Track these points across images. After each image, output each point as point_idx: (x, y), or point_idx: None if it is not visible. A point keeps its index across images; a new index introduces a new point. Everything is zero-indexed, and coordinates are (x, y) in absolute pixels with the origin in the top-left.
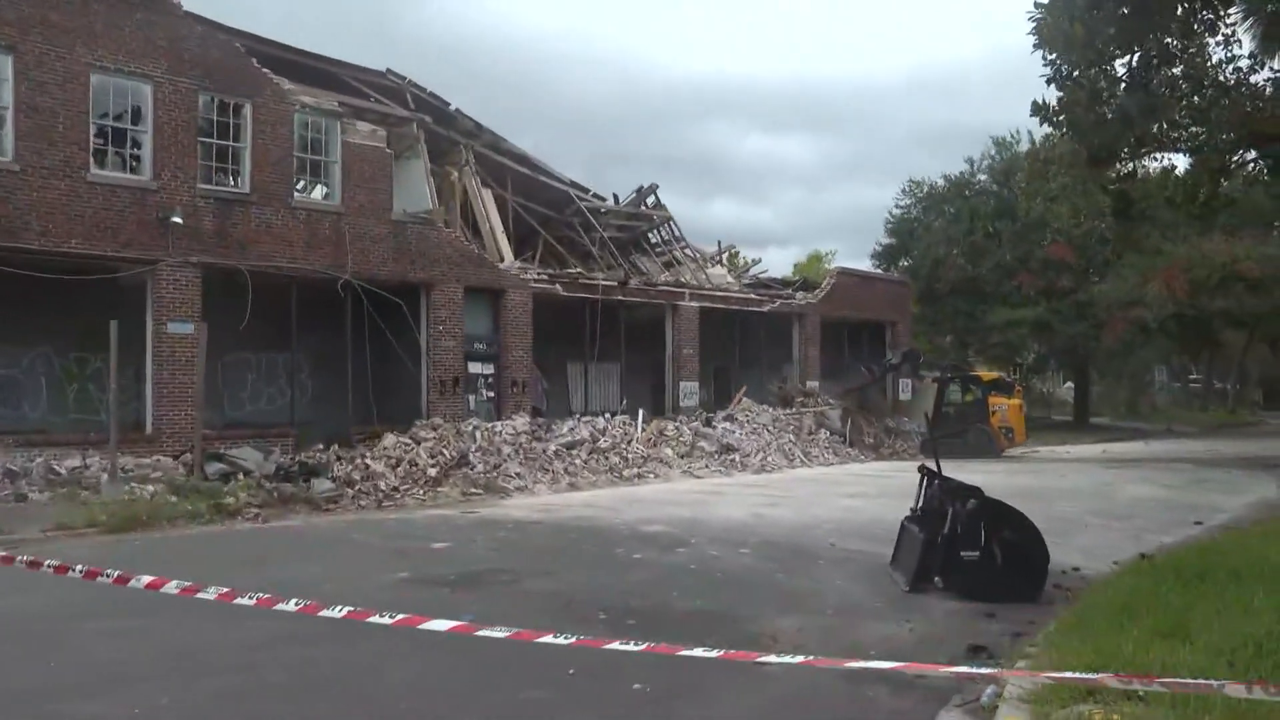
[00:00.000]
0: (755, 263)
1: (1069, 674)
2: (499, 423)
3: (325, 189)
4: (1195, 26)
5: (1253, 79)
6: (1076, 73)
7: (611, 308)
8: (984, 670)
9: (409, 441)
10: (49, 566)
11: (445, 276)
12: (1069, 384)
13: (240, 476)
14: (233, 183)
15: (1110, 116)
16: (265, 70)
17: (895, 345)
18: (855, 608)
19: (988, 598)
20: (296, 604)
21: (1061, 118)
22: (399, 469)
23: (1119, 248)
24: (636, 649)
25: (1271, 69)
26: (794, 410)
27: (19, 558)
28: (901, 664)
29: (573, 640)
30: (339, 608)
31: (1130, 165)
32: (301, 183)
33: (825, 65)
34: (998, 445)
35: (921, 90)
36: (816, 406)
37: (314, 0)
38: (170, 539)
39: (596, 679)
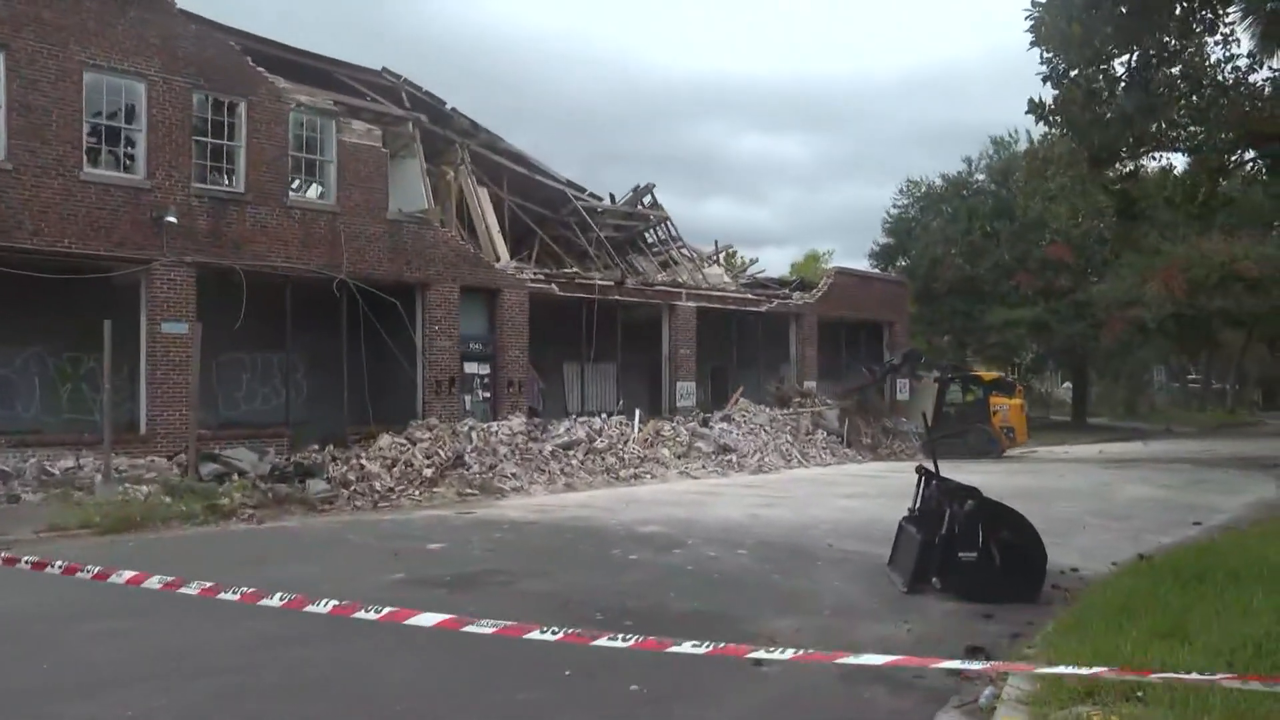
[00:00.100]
0: (752, 262)
1: (1063, 668)
2: (495, 423)
3: (320, 188)
4: (1194, 26)
5: (1251, 78)
6: (1075, 72)
7: (608, 308)
8: (977, 665)
9: (404, 442)
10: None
11: (441, 276)
12: (1067, 384)
13: (235, 477)
14: (227, 182)
15: (1109, 116)
16: (260, 69)
17: (893, 345)
18: (853, 609)
19: (986, 599)
20: (281, 599)
21: (1058, 117)
22: (395, 469)
23: (1117, 247)
24: (625, 644)
25: (1270, 68)
26: (791, 410)
27: (23, 559)
28: (895, 658)
29: (560, 635)
30: (325, 602)
31: (1131, 165)
32: (297, 182)
33: (823, 64)
34: (999, 445)
35: (920, 89)
36: (814, 407)
37: None
38: (165, 540)
39: (593, 680)
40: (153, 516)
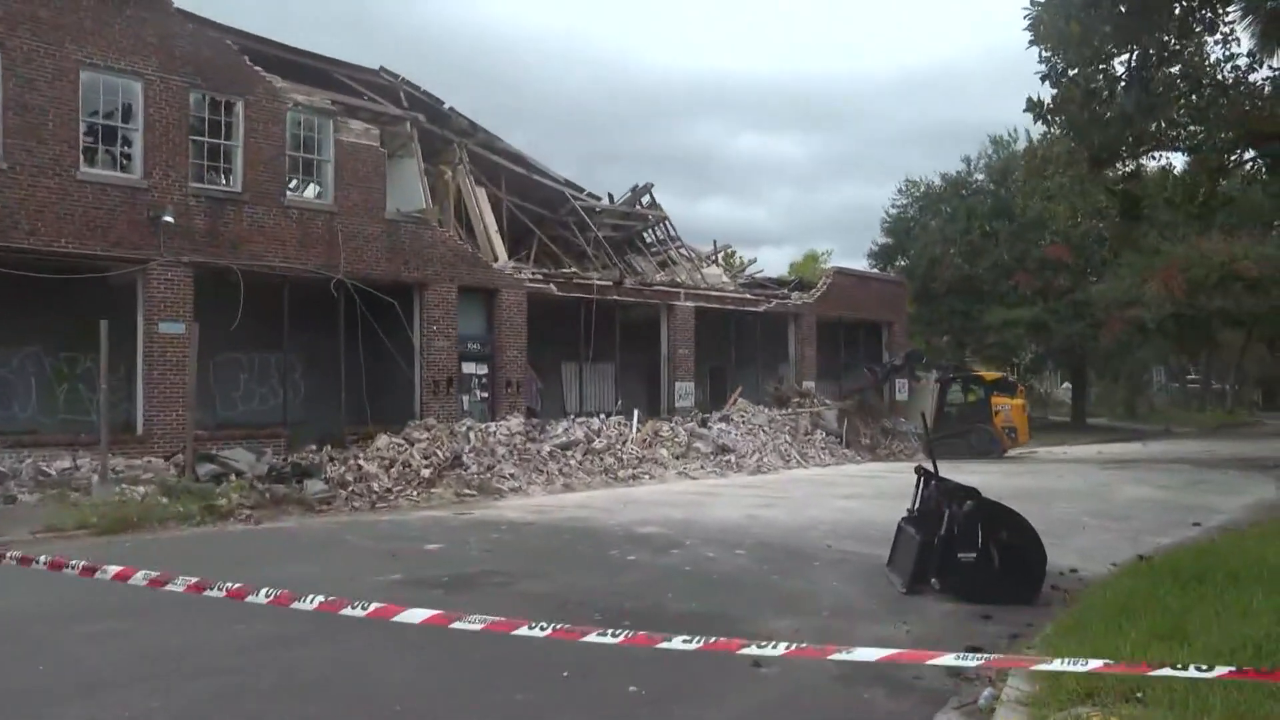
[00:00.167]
0: (751, 262)
1: (1059, 662)
2: (493, 423)
3: (318, 188)
4: (1193, 25)
5: (1251, 77)
6: (1074, 71)
7: (606, 308)
8: (972, 661)
9: (402, 442)
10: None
11: (439, 276)
12: (1066, 384)
13: (232, 478)
14: (224, 181)
15: (1108, 115)
16: (257, 68)
17: (891, 345)
18: (851, 609)
19: (985, 600)
20: (267, 594)
21: (1057, 116)
22: (392, 470)
23: (1116, 246)
24: (615, 640)
25: (1270, 67)
26: (790, 411)
27: (39, 558)
28: (889, 652)
29: (550, 631)
30: (311, 598)
31: (1132, 165)
32: (294, 181)
33: (822, 63)
34: (1001, 446)
35: (919, 89)
36: (813, 407)
37: None
38: (161, 541)
39: (591, 681)
40: (150, 517)
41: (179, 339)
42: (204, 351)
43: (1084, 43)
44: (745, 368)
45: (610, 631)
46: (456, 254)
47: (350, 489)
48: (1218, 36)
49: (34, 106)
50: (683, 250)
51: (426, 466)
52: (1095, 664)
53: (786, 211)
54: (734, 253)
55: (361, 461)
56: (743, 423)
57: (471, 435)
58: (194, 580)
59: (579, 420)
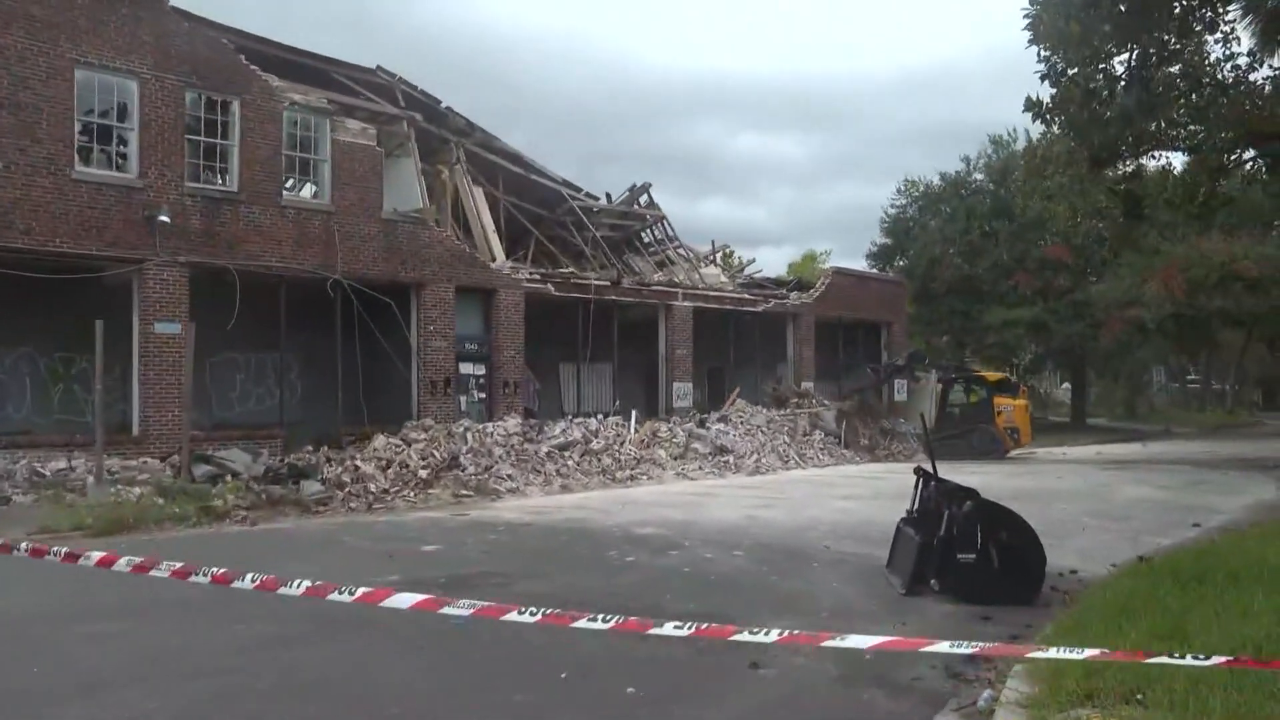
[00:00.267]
0: (749, 263)
1: (1054, 650)
2: (490, 424)
3: (315, 187)
4: (1193, 24)
5: (1251, 77)
6: (1074, 70)
7: (604, 308)
8: (965, 649)
9: (399, 443)
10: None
11: (436, 276)
12: (1066, 385)
13: (228, 478)
14: (221, 181)
15: (1108, 115)
16: (254, 67)
17: (891, 346)
18: (850, 610)
19: (984, 600)
20: (253, 579)
21: (1057, 115)
22: (389, 471)
23: (1116, 246)
24: (605, 625)
25: (1271, 67)
26: (788, 411)
27: (53, 549)
28: (882, 639)
29: (539, 616)
30: (298, 584)
31: (1132, 165)
32: (291, 181)
33: (821, 63)
34: (1003, 446)
35: (918, 88)
36: (811, 408)
37: None
38: (157, 542)
39: (589, 683)
40: (145, 518)
41: (175, 339)
42: (200, 352)
43: (1083, 42)
44: (743, 368)
45: (601, 617)
46: (454, 254)
47: (347, 490)
48: (1218, 36)
49: (28, 105)
50: (681, 250)
51: (424, 467)
52: (1091, 652)
53: (785, 211)
54: (732, 253)
55: (358, 462)
56: (741, 423)
57: (469, 436)
58: (178, 565)
59: (577, 421)
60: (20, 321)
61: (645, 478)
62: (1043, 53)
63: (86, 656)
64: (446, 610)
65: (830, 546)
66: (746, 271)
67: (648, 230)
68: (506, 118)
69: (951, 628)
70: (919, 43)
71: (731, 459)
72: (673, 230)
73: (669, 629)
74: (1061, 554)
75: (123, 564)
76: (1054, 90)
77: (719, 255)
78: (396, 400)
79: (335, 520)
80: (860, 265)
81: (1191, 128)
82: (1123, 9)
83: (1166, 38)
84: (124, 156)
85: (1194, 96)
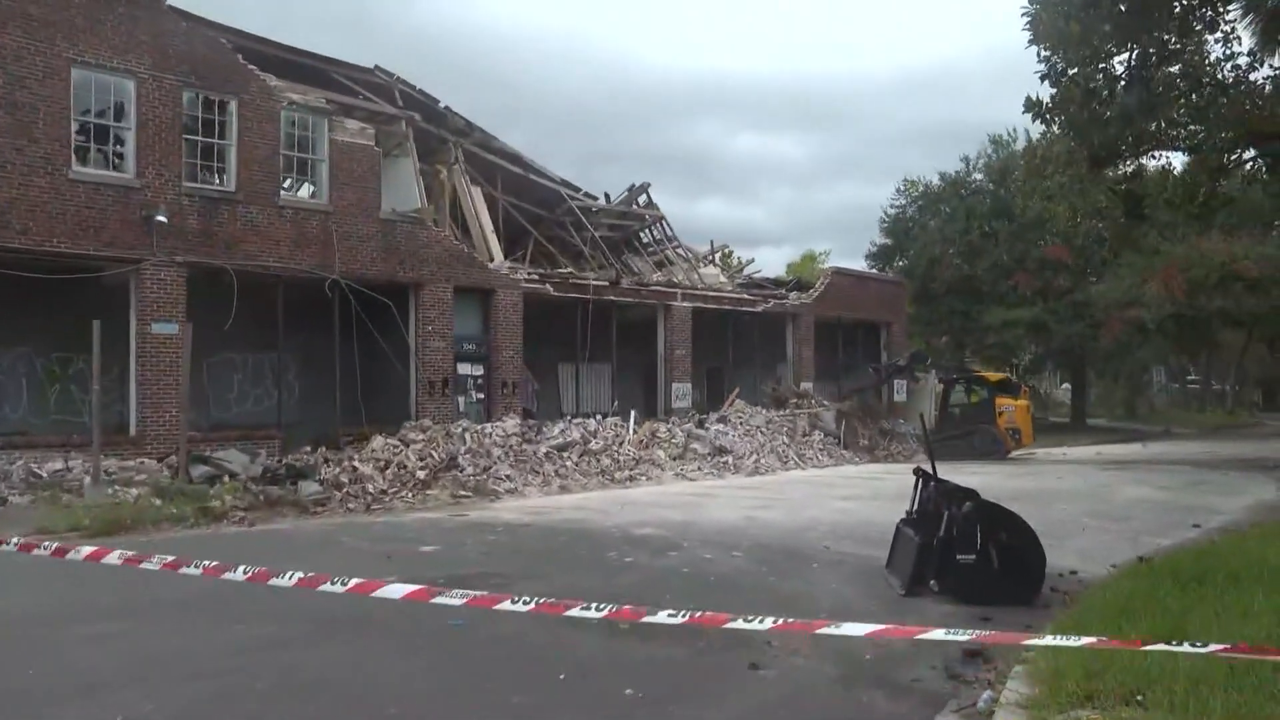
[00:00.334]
0: (749, 263)
1: (1050, 637)
2: (489, 424)
3: (313, 187)
4: (1194, 24)
5: (1251, 77)
6: (1074, 70)
7: (603, 308)
8: (963, 635)
9: (397, 443)
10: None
11: (434, 276)
12: (1066, 385)
13: (226, 479)
14: (218, 181)
15: (1108, 114)
16: (251, 67)
17: (890, 346)
18: (849, 611)
19: (984, 601)
20: (245, 571)
21: (1057, 115)
22: (387, 471)
23: (1116, 246)
24: (598, 614)
25: (1271, 66)
26: (788, 412)
27: (43, 544)
28: (876, 627)
29: (532, 605)
30: (289, 575)
31: (1132, 165)
32: (288, 181)
33: (820, 63)
34: (1004, 447)
35: (918, 88)
36: (810, 408)
37: None
38: (155, 543)
39: (588, 684)
40: (143, 519)
41: (172, 339)
42: (198, 352)
43: (1083, 42)
44: (743, 368)
45: (594, 606)
46: (452, 254)
47: (345, 491)
48: (1218, 35)
49: (25, 105)
50: (680, 250)
51: (422, 468)
52: (1089, 640)
53: (785, 211)
54: (731, 253)
55: (356, 463)
56: (740, 424)
57: (467, 436)
58: (170, 559)
59: (575, 421)
60: (17, 322)
61: (644, 478)
62: (1043, 53)
63: (85, 657)
64: (439, 600)
65: (830, 547)
66: (745, 272)
67: (647, 230)
68: (506, 118)
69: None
70: (919, 43)
71: (730, 459)
72: (672, 230)
73: (662, 616)
74: (1061, 555)
75: (114, 557)
76: (1054, 90)
77: (718, 255)
78: (394, 401)
79: (333, 521)
80: (860, 265)
81: (1192, 127)
82: (1123, 8)
83: (1166, 37)
84: (121, 156)
85: (1194, 96)
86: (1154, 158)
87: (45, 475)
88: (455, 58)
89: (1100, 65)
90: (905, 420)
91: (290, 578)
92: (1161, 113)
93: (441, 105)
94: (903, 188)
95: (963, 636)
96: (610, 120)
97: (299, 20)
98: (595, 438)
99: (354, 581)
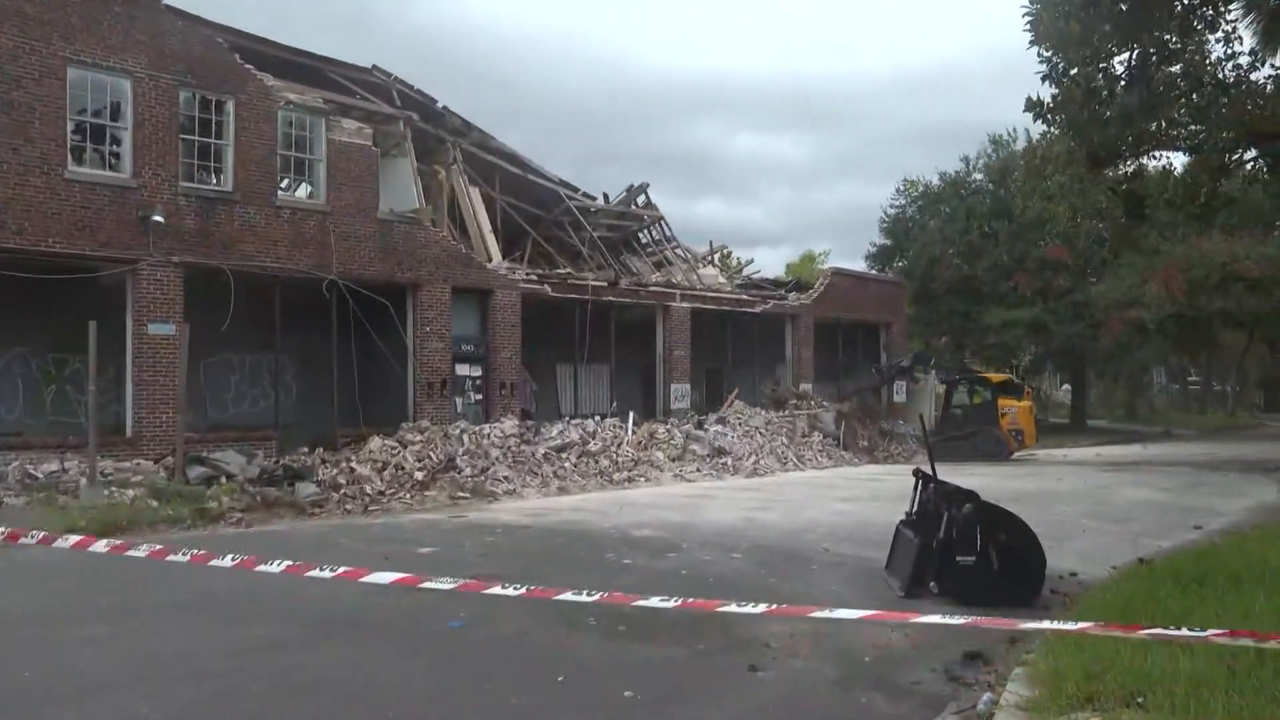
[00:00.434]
0: (748, 263)
1: (1047, 623)
2: (487, 425)
3: (310, 187)
4: (1194, 23)
5: (1253, 76)
6: (1074, 70)
7: (602, 308)
8: (956, 620)
9: (395, 444)
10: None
11: (432, 276)
12: (1066, 386)
13: (223, 480)
14: (215, 181)
15: (1108, 114)
16: (249, 66)
17: (890, 347)
18: None
19: (984, 603)
20: (233, 559)
21: (1057, 115)
22: (385, 473)
23: (1117, 247)
24: (590, 599)
25: (1273, 66)
26: (787, 413)
27: (30, 532)
28: (871, 612)
29: (523, 590)
30: (278, 562)
31: (1132, 165)
32: (286, 181)
33: (819, 63)
34: (1007, 448)
35: (918, 88)
36: (810, 409)
37: None
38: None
39: (586, 685)
40: (139, 520)
41: (169, 340)
42: (194, 353)
43: (1084, 42)
44: (742, 369)
45: (585, 591)
46: (450, 254)
47: (343, 492)
48: (1219, 35)
49: (20, 104)
50: (679, 251)
51: (420, 469)
52: (1085, 624)
53: (784, 212)
54: (730, 253)
55: (354, 464)
56: (739, 425)
57: (465, 437)
58: (158, 546)
59: (574, 422)
60: (13, 322)
61: (643, 479)
62: (1043, 53)
63: (82, 658)
64: (428, 585)
65: (829, 549)
66: (745, 272)
67: (645, 231)
68: (504, 117)
69: (951, 629)
70: (919, 43)
71: (729, 461)
72: (670, 231)
73: (655, 601)
74: (1061, 556)
75: (100, 545)
76: (1055, 91)
77: (717, 256)
78: (392, 402)
79: (331, 522)
80: (859, 266)
81: (1192, 127)
82: (1123, 8)
83: (1167, 37)
84: (117, 156)
85: (1195, 96)
86: (1155, 158)
87: (41, 476)
88: (454, 58)
89: (1101, 65)
90: (905, 421)
91: (278, 565)
92: (1162, 113)
93: (439, 105)
94: (902, 188)
95: (958, 620)
96: (609, 120)
97: (298, 20)
98: (594, 439)
99: (342, 569)
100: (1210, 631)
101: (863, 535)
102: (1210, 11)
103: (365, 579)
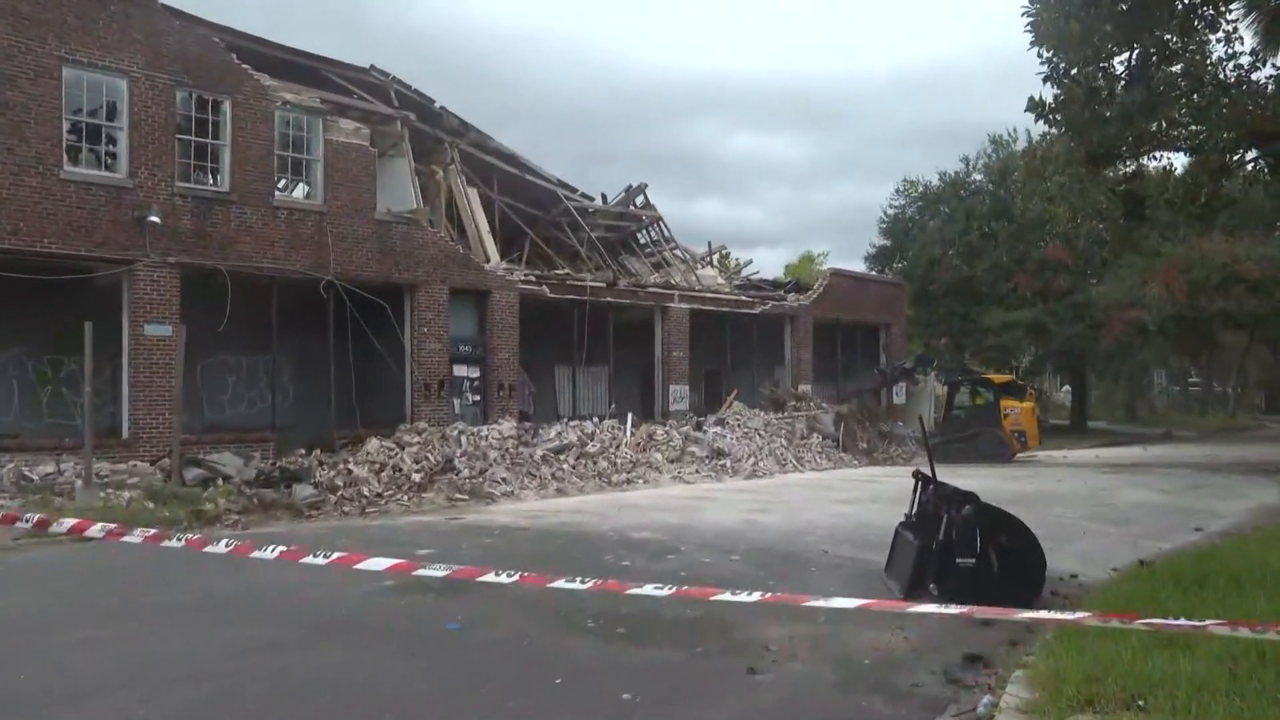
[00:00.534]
0: (746, 264)
1: (1045, 612)
2: (485, 427)
3: (307, 188)
4: (1195, 23)
5: (1254, 76)
6: (1075, 70)
7: (600, 309)
8: (953, 609)
9: (393, 446)
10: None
11: (430, 277)
12: (1066, 387)
13: (220, 482)
14: (212, 181)
15: (1109, 114)
16: (245, 66)
17: (890, 348)
18: (847, 615)
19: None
20: (227, 544)
21: (1058, 116)
22: (383, 474)
23: (1117, 248)
24: (583, 587)
25: (1274, 66)
26: (786, 414)
27: (26, 516)
28: (865, 601)
29: (516, 577)
30: (271, 548)
31: (1132, 165)
32: (283, 181)
33: (819, 63)
34: (1010, 450)
35: (918, 88)
36: (809, 410)
37: None
38: (147, 545)
39: (585, 688)
40: (135, 522)
41: (165, 341)
42: (191, 354)
43: (1084, 41)
44: (741, 371)
45: (579, 579)
46: (448, 255)
47: (340, 494)
48: (1220, 34)
49: (15, 104)
50: (677, 251)
51: (417, 471)
52: (1082, 614)
53: (783, 212)
54: (729, 254)
55: (351, 466)
56: (738, 426)
57: (463, 439)
58: (151, 532)
59: (572, 424)
60: (8, 323)
61: (641, 481)
62: (1044, 54)
63: (77, 661)
64: (421, 573)
65: (828, 551)
66: (744, 273)
67: (644, 231)
68: (503, 118)
69: (951, 632)
70: (918, 43)
71: (728, 462)
72: (669, 231)
73: (649, 589)
74: (1061, 558)
75: (96, 530)
76: (1056, 91)
77: (716, 256)
78: (390, 403)
79: (328, 524)
80: (858, 267)
81: (1193, 128)
82: (1123, 8)
83: (1168, 37)
84: (113, 156)
85: (1195, 96)
86: (1155, 158)
87: (36, 478)
88: (452, 57)
89: (1101, 65)
90: (904, 423)
91: (272, 550)
92: (1163, 113)
93: (437, 105)
94: (902, 188)
95: (955, 610)
96: (608, 120)
97: (296, 20)
98: (592, 440)
99: (336, 554)
100: (1209, 622)
101: (862, 537)
102: (1211, 11)
103: (361, 565)
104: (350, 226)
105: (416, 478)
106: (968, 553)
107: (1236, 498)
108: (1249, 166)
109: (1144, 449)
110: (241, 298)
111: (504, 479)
